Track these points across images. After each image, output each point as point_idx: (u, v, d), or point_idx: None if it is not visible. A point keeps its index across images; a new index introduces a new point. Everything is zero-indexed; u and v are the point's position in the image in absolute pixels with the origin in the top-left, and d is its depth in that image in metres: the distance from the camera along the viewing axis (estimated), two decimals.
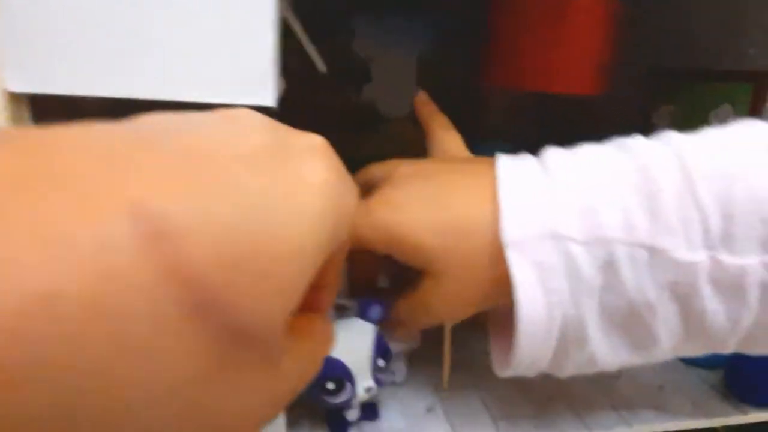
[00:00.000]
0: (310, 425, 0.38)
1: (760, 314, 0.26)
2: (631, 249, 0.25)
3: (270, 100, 0.26)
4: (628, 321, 0.27)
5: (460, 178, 0.30)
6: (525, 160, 0.29)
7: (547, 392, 0.43)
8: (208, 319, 0.12)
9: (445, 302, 0.30)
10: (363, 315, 0.36)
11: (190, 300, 0.11)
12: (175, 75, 0.25)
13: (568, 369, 0.29)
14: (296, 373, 0.16)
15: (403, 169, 0.31)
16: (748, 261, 0.24)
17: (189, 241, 0.11)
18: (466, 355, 0.47)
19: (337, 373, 0.34)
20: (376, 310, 0.36)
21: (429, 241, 0.28)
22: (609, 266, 0.25)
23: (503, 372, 0.30)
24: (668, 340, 0.27)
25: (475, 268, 0.27)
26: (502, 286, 0.27)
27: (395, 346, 0.41)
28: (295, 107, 0.36)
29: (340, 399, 0.34)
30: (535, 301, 0.26)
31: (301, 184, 0.15)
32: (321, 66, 0.36)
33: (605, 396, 0.43)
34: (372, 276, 0.37)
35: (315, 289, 0.19)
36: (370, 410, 0.39)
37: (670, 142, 0.27)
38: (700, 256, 0.25)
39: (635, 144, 0.28)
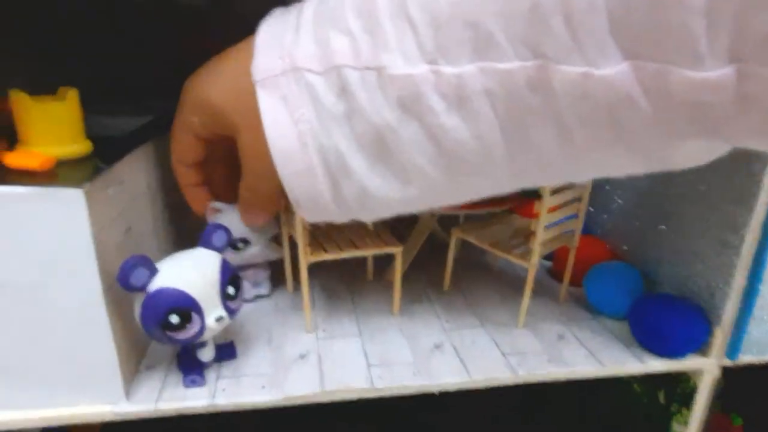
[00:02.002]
0: (165, 369, 0.35)
1: (505, 128, 0.25)
2: (361, 72, 0.26)
3: None
4: (381, 147, 0.27)
5: (246, 40, 0.31)
6: (294, 6, 0.30)
7: (434, 340, 0.40)
8: None
9: (256, 154, 0.30)
10: (206, 243, 0.33)
11: None
12: None
13: (353, 206, 0.30)
14: None
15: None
16: (465, 68, 0.24)
17: None
18: (342, 303, 0.45)
19: (181, 303, 0.31)
20: (219, 237, 0.33)
21: (222, 98, 0.31)
22: (346, 92, 0.27)
23: (300, 213, 0.31)
24: (430, 167, 0.27)
25: (256, 112, 0.29)
26: None
27: (263, 255, 0.42)
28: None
29: (188, 334, 0.31)
30: (285, 131, 0.28)
31: None
32: None
33: (498, 344, 0.40)
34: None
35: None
36: (226, 350, 0.36)
37: None
38: (419, 69, 0.25)
39: None
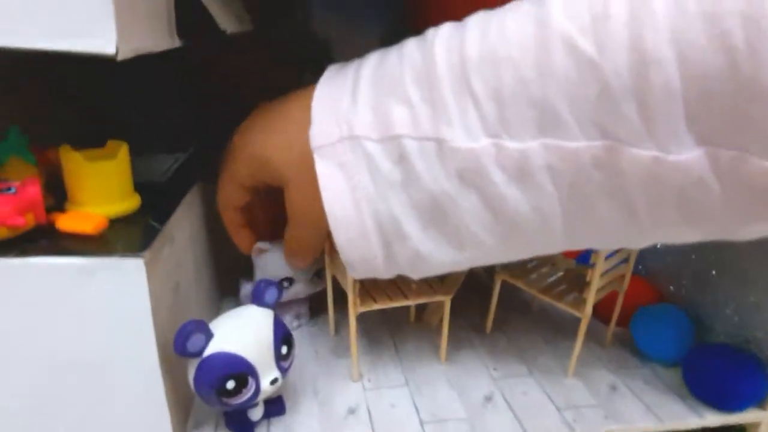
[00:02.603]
0: (213, 429, 0.34)
1: (566, 202, 0.24)
2: (419, 142, 0.25)
3: (110, 46, 0.22)
4: (437, 214, 0.27)
5: (298, 94, 0.31)
6: (350, 65, 0.30)
7: (483, 391, 0.39)
8: None
9: (303, 208, 0.31)
10: (258, 300, 0.32)
11: None
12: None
13: (405, 268, 0.30)
14: None
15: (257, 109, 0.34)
16: (528, 144, 0.23)
17: None
18: (384, 348, 0.43)
19: (238, 369, 0.30)
20: (271, 293, 0.32)
21: (275, 154, 0.31)
22: (404, 160, 0.26)
23: (351, 273, 0.31)
24: (486, 235, 0.27)
25: (312, 171, 0.28)
26: None
27: (306, 290, 0.43)
28: (253, 92, 0.35)
29: (243, 398, 0.30)
30: (342, 198, 0.28)
31: None
32: (223, 24, 0.32)
33: (551, 397, 0.38)
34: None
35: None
36: (275, 405, 0.35)
37: (464, 27, 0.26)
38: (481, 144, 0.24)
39: (433, 33, 0.27)
